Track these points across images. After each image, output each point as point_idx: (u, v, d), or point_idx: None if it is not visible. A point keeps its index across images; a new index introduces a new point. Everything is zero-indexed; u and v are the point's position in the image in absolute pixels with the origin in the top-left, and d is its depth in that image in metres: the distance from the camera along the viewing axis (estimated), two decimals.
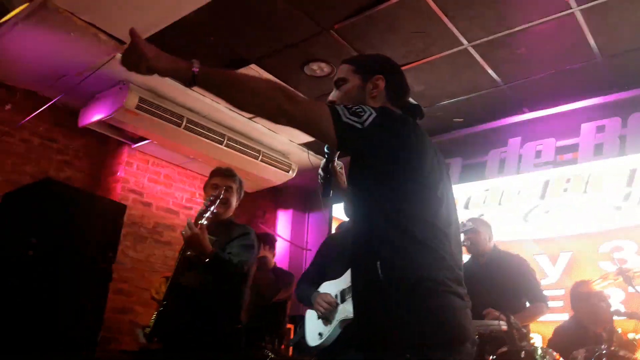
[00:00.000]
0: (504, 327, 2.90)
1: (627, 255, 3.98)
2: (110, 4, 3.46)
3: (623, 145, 4.27)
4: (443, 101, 4.50)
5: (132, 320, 4.78)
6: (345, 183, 1.83)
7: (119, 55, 3.96)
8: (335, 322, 2.65)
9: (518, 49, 3.74)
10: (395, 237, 1.44)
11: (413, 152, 1.53)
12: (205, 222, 2.63)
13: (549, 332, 3.76)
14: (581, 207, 4.34)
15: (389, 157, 1.50)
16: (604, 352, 2.89)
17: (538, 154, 4.65)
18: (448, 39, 3.65)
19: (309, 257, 5.95)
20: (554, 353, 2.97)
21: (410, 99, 1.79)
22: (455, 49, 3.76)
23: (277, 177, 5.67)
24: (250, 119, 4.97)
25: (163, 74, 1.49)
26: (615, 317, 3.18)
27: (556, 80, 4.10)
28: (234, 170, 3.11)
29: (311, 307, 2.80)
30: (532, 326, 3.68)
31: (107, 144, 5.22)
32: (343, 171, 1.89)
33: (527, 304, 3.39)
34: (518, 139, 4.77)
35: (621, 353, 2.96)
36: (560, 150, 4.57)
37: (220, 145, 4.97)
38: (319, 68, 4.11)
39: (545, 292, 4.27)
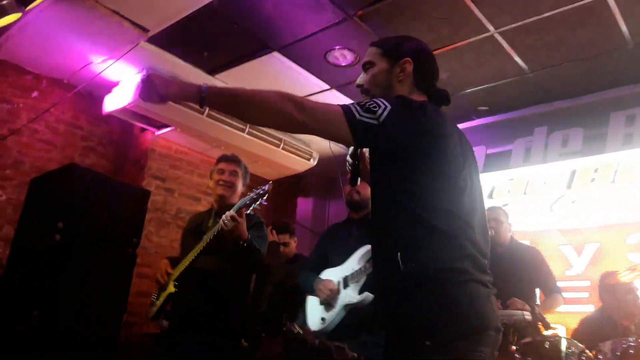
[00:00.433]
0: (528, 317, 2.87)
1: None
2: None
3: None
4: (468, 89, 4.43)
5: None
6: None
7: (143, 43, 3.98)
8: (338, 307, 2.71)
9: (546, 35, 3.65)
10: (415, 228, 1.44)
11: (432, 141, 1.50)
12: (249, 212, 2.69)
13: (573, 323, 3.71)
14: (609, 197, 4.25)
15: (407, 148, 1.47)
16: (632, 344, 2.83)
17: (565, 143, 4.55)
18: (474, 26, 3.58)
19: None
20: (580, 344, 2.94)
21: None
22: (481, 36, 3.69)
23: (299, 165, 5.68)
24: None
25: (174, 99, 1.51)
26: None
27: (585, 67, 4.00)
28: (238, 156, 3.17)
29: (313, 293, 2.85)
30: (557, 317, 3.64)
31: (131, 130, 5.28)
32: None
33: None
34: (544, 128, 4.67)
35: None
36: (588, 140, 4.47)
37: (242, 133, 4.98)
38: (342, 56, 4.07)
39: (570, 284, 4.23)
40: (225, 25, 3.78)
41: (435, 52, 3.90)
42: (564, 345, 2.82)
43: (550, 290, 3.37)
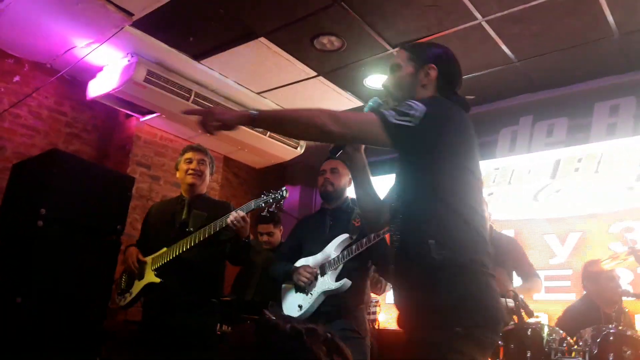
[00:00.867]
0: (511, 304, 2.90)
1: (638, 235, 3.94)
2: None
3: (637, 125, 4.20)
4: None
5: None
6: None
7: (128, 27, 3.92)
8: (315, 294, 2.75)
9: (533, 24, 3.65)
10: (447, 219, 1.56)
11: (461, 140, 1.65)
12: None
13: (556, 311, 3.76)
14: (592, 187, 4.29)
15: (441, 146, 1.60)
16: (612, 331, 2.88)
17: (550, 132, 4.59)
18: (462, 13, 3.57)
19: None
20: (561, 331, 2.97)
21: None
22: (468, 24, 3.68)
23: (285, 153, 5.65)
24: (259, 93, 4.93)
25: (233, 126, 1.63)
26: (624, 298, 3.17)
27: (571, 57, 4.02)
28: (204, 147, 3.24)
29: (288, 281, 2.87)
30: (540, 305, 3.68)
31: (116, 117, 5.21)
32: None
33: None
34: (530, 117, 4.71)
35: (629, 333, 2.95)
36: (572, 130, 4.50)
37: None
38: (329, 42, 4.04)
39: (554, 272, 4.28)
40: (211, 10, 3.73)
41: (423, 40, 3.94)
42: (545, 332, 2.86)
43: (530, 275, 3.38)
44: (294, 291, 2.86)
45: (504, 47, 3.95)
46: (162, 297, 2.87)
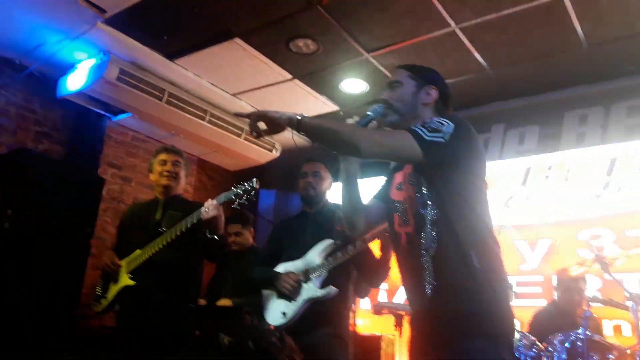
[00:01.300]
0: None
1: (605, 243, 4.03)
2: None
3: (605, 134, 4.30)
4: None
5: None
6: None
7: (100, 24, 3.86)
8: (300, 301, 2.68)
9: (505, 33, 3.71)
10: (479, 229, 1.67)
11: (481, 154, 1.78)
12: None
13: (527, 317, 3.81)
14: (562, 194, 4.37)
15: (468, 161, 1.72)
16: (581, 336, 2.93)
17: (521, 140, 4.66)
18: (436, 20, 3.60)
19: None
20: (531, 337, 3.01)
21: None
22: (442, 31, 3.71)
23: (261, 156, 5.62)
24: (234, 95, 4.89)
25: (282, 128, 1.73)
26: (592, 304, 3.23)
27: (541, 67, 4.10)
28: (175, 147, 3.20)
29: (270, 288, 2.80)
30: None
31: (87, 116, 5.10)
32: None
33: None
34: (502, 125, 4.77)
35: (596, 338, 3.01)
36: (543, 138, 4.58)
37: (202, 122, 4.89)
38: (305, 45, 4.03)
39: (524, 278, 4.34)
40: (186, 9, 3.69)
41: (397, 46, 3.99)
42: (516, 338, 2.89)
43: None
44: (276, 297, 2.78)
45: (477, 55, 4.00)
46: (137, 300, 2.82)
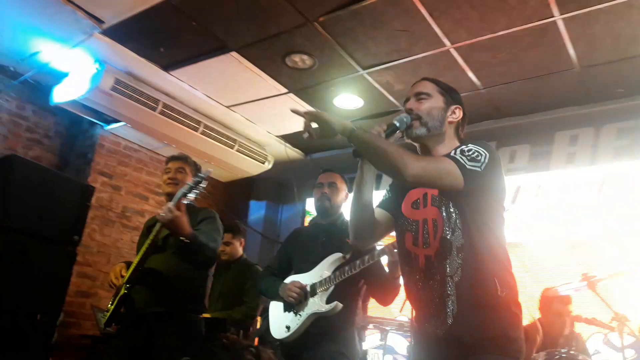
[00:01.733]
0: None
1: (593, 262, 4.06)
2: None
3: (594, 155, 4.36)
4: None
5: (93, 304, 4.70)
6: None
7: (97, 34, 3.86)
8: (304, 316, 2.64)
9: (499, 53, 3.75)
10: (502, 257, 1.70)
11: (504, 185, 1.79)
12: (187, 202, 2.65)
13: None
14: (551, 213, 4.41)
15: (497, 188, 1.74)
16: (564, 355, 2.94)
17: (512, 158, 4.71)
18: (431, 39, 3.65)
19: None
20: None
21: None
22: (437, 50, 3.76)
23: (253, 167, 5.63)
24: (228, 107, 4.90)
25: (335, 132, 1.69)
26: (576, 322, 3.25)
27: (534, 87, 4.14)
28: (185, 154, 3.17)
29: (277, 299, 2.77)
30: None
31: (79, 124, 5.09)
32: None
33: None
34: (493, 143, 4.81)
35: (580, 357, 3.02)
36: (534, 157, 4.63)
37: (195, 132, 4.90)
38: (301, 60, 4.06)
39: None
40: (184, 21, 3.70)
41: (393, 63, 4.02)
42: None
43: None
44: (282, 310, 2.74)
45: (470, 74, 4.05)
46: (130, 310, 2.78)
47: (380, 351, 4.31)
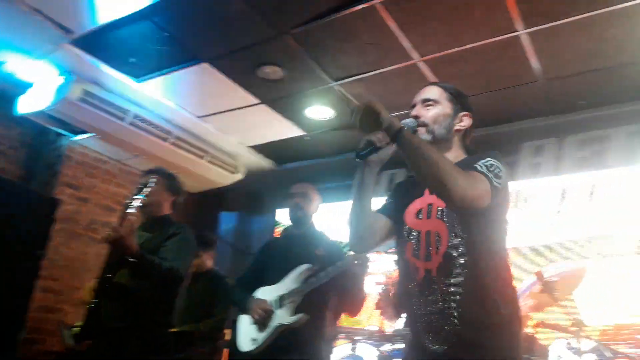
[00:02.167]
0: None
1: (554, 270, 4.17)
2: None
3: (558, 165, 4.49)
4: (393, 113, 4.53)
5: (59, 320, 4.57)
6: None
7: (65, 44, 3.80)
8: (270, 328, 2.66)
9: (466, 66, 3.85)
10: (504, 274, 1.67)
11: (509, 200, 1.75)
12: (132, 217, 2.65)
13: None
14: (516, 221, 4.52)
15: (505, 204, 1.71)
16: None
17: None
18: (400, 53, 3.71)
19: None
20: None
21: None
22: (406, 63, 3.83)
23: (223, 178, 5.59)
24: (200, 117, 4.88)
25: (378, 124, 1.55)
26: (539, 328, 3.33)
27: (500, 99, 4.25)
28: (159, 167, 3.15)
29: (246, 312, 2.78)
30: None
31: (46, 135, 4.97)
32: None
33: None
34: None
35: None
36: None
37: (165, 143, 4.85)
38: (272, 71, 4.08)
39: None
40: (155, 32, 3.68)
41: (363, 75, 4.07)
42: None
43: None
44: (249, 322, 2.76)
45: None
46: (97, 324, 2.73)
47: None
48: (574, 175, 4.42)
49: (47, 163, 4.91)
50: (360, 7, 3.29)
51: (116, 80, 4.27)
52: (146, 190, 2.87)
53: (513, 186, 4.47)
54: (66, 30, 3.63)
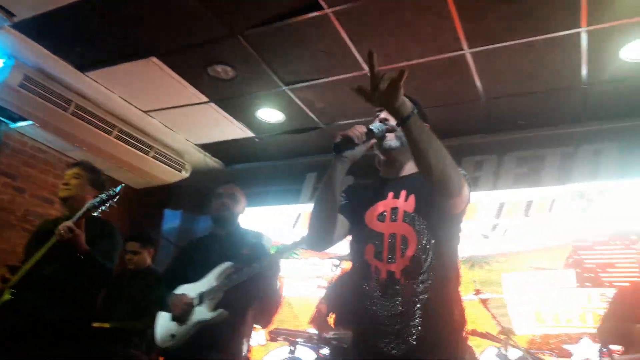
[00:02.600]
0: None
1: (487, 281, 4.34)
2: None
3: (496, 180, 4.67)
4: (342, 121, 4.63)
5: None
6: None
7: (7, 28, 3.66)
8: (190, 324, 2.66)
9: (413, 80, 3.94)
10: (457, 282, 1.72)
11: None
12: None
13: None
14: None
15: (463, 214, 1.77)
16: None
17: None
18: (350, 62, 3.78)
19: None
20: None
21: None
22: (356, 73, 3.90)
23: (168, 175, 5.52)
24: (146, 112, 4.79)
25: (394, 103, 1.54)
26: (471, 336, 3.45)
27: (444, 114, 4.38)
28: (84, 161, 3.12)
29: (166, 309, 2.77)
30: None
31: None
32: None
33: None
34: None
35: None
36: None
37: (108, 136, 4.74)
38: (223, 71, 4.05)
39: None
40: (104, 23, 3.60)
41: (314, 82, 4.10)
42: None
43: None
44: (169, 319, 2.74)
45: None
46: (13, 317, 2.64)
47: None
48: (511, 191, 4.61)
49: None
50: (313, 14, 3.34)
51: (60, 68, 4.14)
52: (69, 184, 2.85)
53: None
54: (8, 13, 3.50)
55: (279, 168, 5.34)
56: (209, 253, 2.87)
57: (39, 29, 3.71)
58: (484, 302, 3.32)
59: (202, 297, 2.69)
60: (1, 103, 4.26)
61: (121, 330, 3.53)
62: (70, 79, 4.28)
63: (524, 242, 4.41)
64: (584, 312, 3.95)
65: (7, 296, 2.62)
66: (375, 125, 1.73)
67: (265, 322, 3.14)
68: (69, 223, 2.54)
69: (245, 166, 5.65)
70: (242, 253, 2.74)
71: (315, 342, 3.84)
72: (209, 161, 5.57)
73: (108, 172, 5.55)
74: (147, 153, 5.11)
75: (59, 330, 2.60)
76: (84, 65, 4.14)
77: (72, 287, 2.70)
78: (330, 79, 4.00)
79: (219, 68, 4.03)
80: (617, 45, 3.41)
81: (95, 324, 3.01)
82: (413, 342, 1.57)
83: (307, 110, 4.51)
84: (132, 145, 4.96)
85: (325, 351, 3.46)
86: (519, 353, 3.50)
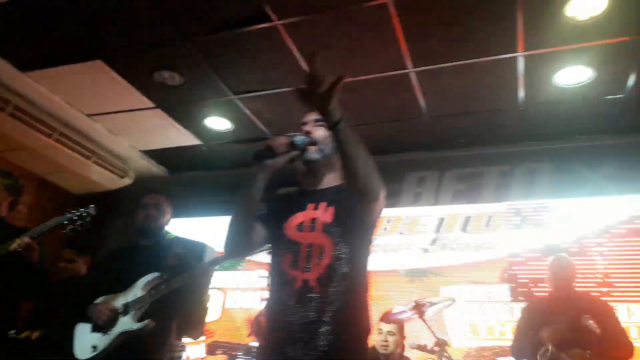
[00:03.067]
0: None
1: (426, 293, 4.45)
2: None
3: (438, 195, 4.83)
4: (290, 132, 4.64)
5: None
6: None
7: None
8: (113, 334, 2.60)
9: (361, 96, 4.04)
10: (368, 290, 1.76)
11: None
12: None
13: None
14: (396, 246, 4.79)
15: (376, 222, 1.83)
16: None
17: None
18: (299, 75, 3.79)
19: None
20: None
21: None
22: (305, 86, 3.94)
23: (110, 182, 5.39)
24: (89, 116, 4.67)
25: (329, 108, 1.59)
26: (411, 349, 3.53)
27: (389, 130, 4.50)
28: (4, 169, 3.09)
29: (86, 320, 2.70)
30: None
31: None
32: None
33: None
34: None
35: None
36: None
37: (49, 139, 4.59)
38: (170, 77, 4.00)
39: None
40: (47, 21, 3.50)
41: (263, 93, 4.12)
42: None
43: None
44: (89, 330, 2.65)
45: None
46: None
47: None
48: (451, 206, 4.78)
49: None
50: (263, 25, 3.38)
51: None
52: None
53: (396, 213, 4.81)
54: None
55: (225, 177, 5.31)
56: (133, 264, 2.80)
57: None
58: (420, 313, 3.40)
59: (127, 308, 2.62)
60: None
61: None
62: (9, 78, 4.13)
63: (462, 256, 4.57)
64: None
65: None
66: (298, 138, 1.79)
67: (193, 333, 3.10)
68: (27, 240, 2.55)
69: (191, 174, 5.59)
70: (169, 264, 2.70)
71: (254, 355, 3.83)
72: (154, 168, 5.48)
73: (47, 176, 5.37)
74: (88, 158, 4.98)
75: None
76: (24, 64, 4.00)
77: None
78: (279, 90, 4.03)
79: (166, 74, 3.98)
80: (551, 71, 3.63)
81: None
82: (324, 348, 1.61)
83: (256, 121, 4.52)
84: (74, 150, 4.82)
85: None
86: None
